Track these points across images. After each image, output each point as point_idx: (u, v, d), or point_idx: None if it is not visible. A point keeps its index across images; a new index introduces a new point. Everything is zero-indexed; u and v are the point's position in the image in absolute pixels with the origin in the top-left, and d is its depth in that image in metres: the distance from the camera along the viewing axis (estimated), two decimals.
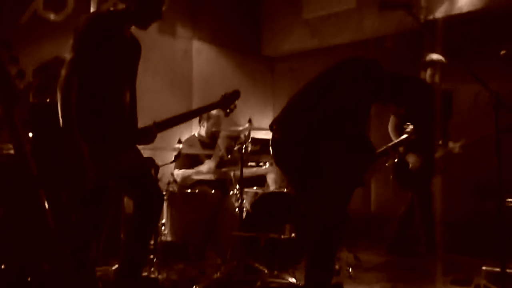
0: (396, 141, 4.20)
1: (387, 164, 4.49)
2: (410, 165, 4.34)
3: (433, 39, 4.94)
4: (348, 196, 2.68)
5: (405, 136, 4.28)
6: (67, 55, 2.31)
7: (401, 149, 4.34)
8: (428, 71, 4.33)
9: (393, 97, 2.84)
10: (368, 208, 5.90)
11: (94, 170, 2.02)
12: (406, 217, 4.60)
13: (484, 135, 3.95)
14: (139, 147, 2.62)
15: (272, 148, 2.89)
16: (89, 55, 2.32)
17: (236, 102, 2.80)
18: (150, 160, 2.57)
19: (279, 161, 2.91)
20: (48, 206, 1.80)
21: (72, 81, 2.19)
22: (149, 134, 2.59)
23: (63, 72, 2.21)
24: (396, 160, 4.44)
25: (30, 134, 2.72)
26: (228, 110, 2.82)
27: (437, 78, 4.32)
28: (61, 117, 2.06)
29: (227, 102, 2.70)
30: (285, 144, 2.80)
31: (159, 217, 2.72)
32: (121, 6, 2.52)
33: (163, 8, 2.62)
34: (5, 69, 1.82)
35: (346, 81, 2.68)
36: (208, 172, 4.51)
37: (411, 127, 4.12)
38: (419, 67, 4.38)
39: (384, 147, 3.70)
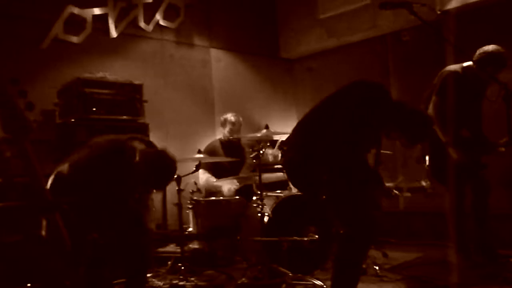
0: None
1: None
2: (454, 158, 3.88)
3: (450, 29, 4.88)
4: (361, 212, 2.71)
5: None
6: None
7: (442, 138, 3.94)
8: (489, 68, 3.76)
9: (397, 127, 2.85)
10: (396, 204, 5.85)
11: None
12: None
13: None
14: None
15: (285, 168, 2.98)
16: None
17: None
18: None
19: (293, 180, 3.00)
20: (65, 228, 1.92)
21: None
22: None
23: None
24: (431, 157, 4.12)
25: None
26: None
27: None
28: None
29: None
30: (297, 164, 2.87)
31: None
32: None
33: None
34: (15, 103, 1.95)
35: (353, 105, 2.72)
36: (227, 195, 4.58)
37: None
38: (476, 63, 3.82)
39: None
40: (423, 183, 4.21)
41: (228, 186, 4.60)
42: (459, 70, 3.97)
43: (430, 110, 3.98)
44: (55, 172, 2.71)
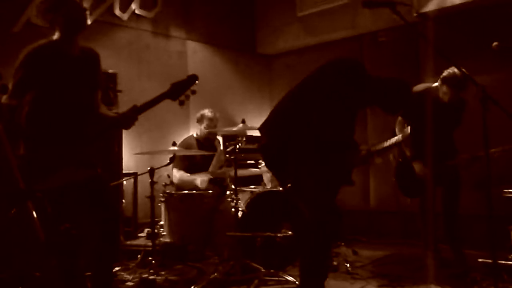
0: (385, 144, 4.07)
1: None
2: (416, 172, 4.04)
3: (427, 32, 4.95)
4: (331, 195, 2.71)
5: (396, 139, 4.14)
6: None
7: (407, 152, 4.08)
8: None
9: (378, 100, 2.85)
10: (367, 203, 5.92)
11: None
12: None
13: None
14: None
15: (261, 152, 2.96)
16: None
17: (195, 88, 2.72)
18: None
19: (269, 164, 2.99)
20: (37, 217, 1.84)
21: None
22: (129, 118, 2.73)
23: None
24: (399, 164, 4.22)
25: None
26: (180, 99, 2.73)
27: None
28: None
29: (177, 91, 2.66)
30: (273, 148, 2.86)
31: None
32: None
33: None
34: None
35: (328, 84, 2.71)
36: (201, 187, 4.52)
37: (408, 130, 4.01)
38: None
39: (371, 148, 3.61)
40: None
41: (201, 178, 4.54)
42: (427, 91, 3.97)
43: (396, 127, 4.15)
44: None
